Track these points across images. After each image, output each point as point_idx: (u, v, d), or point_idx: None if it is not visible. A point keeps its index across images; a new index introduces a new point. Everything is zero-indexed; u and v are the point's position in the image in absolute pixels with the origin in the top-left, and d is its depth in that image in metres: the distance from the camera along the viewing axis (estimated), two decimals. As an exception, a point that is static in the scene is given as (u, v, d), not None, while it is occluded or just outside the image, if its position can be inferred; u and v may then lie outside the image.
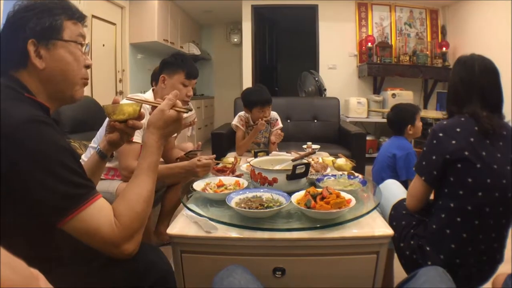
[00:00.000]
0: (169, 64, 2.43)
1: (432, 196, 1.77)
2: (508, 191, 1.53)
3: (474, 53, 1.77)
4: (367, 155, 5.00)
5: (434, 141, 1.63)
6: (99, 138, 2.34)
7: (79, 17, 1.20)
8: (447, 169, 1.59)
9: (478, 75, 1.65)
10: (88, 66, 1.23)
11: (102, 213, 1.04)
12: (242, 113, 3.48)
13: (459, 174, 1.56)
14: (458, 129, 1.59)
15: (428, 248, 1.63)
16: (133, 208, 1.11)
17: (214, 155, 2.21)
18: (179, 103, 1.29)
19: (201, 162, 2.11)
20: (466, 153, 1.53)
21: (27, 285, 0.47)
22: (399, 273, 1.93)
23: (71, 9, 1.17)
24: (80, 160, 1.09)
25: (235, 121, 3.49)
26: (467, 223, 1.55)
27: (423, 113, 4.49)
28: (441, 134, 1.61)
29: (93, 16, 4.87)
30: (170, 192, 2.86)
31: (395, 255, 1.89)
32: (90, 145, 2.44)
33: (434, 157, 1.63)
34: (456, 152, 1.55)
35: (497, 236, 1.57)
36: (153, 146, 1.23)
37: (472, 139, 1.55)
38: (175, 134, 2.81)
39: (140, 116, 1.33)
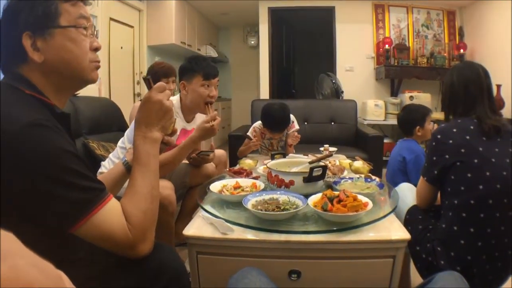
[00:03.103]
0: (185, 70, 2.45)
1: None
2: (510, 182, 1.56)
3: (469, 59, 1.85)
4: (384, 158, 4.95)
5: (434, 143, 1.75)
6: (130, 138, 2.35)
7: None
8: (447, 169, 1.67)
9: (484, 78, 1.77)
10: (96, 49, 1.15)
11: (114, 216, 1.01)
12: (257, 123, 3.46)
13: (459, 171, 1.63)
14: (454, 130, 1.70)
15: (439, 248, 1.64)
16: (140, 207, 1.07)
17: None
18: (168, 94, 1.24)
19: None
20: (462, 150, 1.63)
21: (55, 285, 0.48)
22: (416, 278, 1.91)
23: None
24: (106, 164, 1.06)
25: (249, 132, 3.47)
26: (473, 217, 1.58)
27: (439, 116, 4.44)
28: (439, 136, 1.73)
29: (111, 19, 4.91)
30: (192, 193, 2.87)
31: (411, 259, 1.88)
32: (118, 144, 2.44)
33: (434, 158, 1.73)
34: (453, 151, 1.65)
35: (506, 229, 1.57)
36: (136, 141, 1.18)
37: (468, 137, 1.65)
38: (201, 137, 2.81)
39: (173, 132, 1.31)
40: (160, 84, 1.22)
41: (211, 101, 2.44)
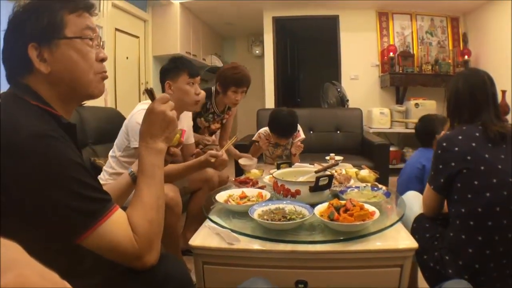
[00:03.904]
0: (169, 70, 2.47)
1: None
2: None
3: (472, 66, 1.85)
4: (390, 166, 4.94)
5: (439, 151, 1.73)
6: (119, 147, 2.38)
7: (84, 7, 1.10)
8: (454, 176, 1.65)
9: (490, 85, 1.76)
10: (102, 60, 1.15)
11: (120, 227, 1.00)
12: (262, 130, 3.48)
13: (466, 179, 1.62)
14: (460, 137, 1.68)
15: (447, 257, 1.63)
16: (146, 218, 1.07)
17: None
18: (171, 103, 1.23)
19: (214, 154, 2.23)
20: (469, 157, 1.62)
21: None
22: (424, 287, 1.90)
23: (73, 1, 1.08)
24: (102, 176, 1.06)
25: (255, 137, 3.51)
26: (480, 225, 1.56)
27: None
28: (444, 144, 1.71)
29: (117, 30, 4.96)
30: (194, 199, 2.89)
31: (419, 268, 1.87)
32: (109, 154, 2.47)
33: (440, 166, 1.72)
34: (460, 158, 1.63)
35: None
36: (141, 152, 1.18)
37: (474, 144, 1.63)
38: (192, 141, 2.84)
39: (179, 144, 1.31)
40: (163, 95, 1.21)
41: (198, 100, 2.52)
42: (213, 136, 3.43)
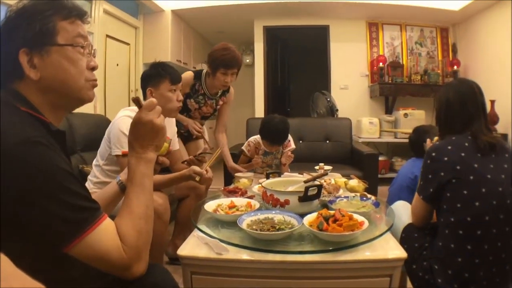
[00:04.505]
0: (151, 76, 2.44)
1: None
2: (507, 198, 1.56)
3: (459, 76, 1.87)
4: (379, 176, 4.96)
5: (428, 161, 1.75)
6: (102, 156, 2.37)
7: (77, 15, 1.09)
8: (443, 186, 1.66)
9: (479, 95, 1.78)
10: (93, 68, 1.14)
11: (108, 236, 0.99)
12: (252, 138, 3.48)
13: (455, 188, 1.63)
14: (449, 147, 1.70)
15: (436, 266, 1.63)
16: (135, 227, 1.06)
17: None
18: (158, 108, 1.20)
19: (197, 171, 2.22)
20: (458, 167, 1.63)
21: None
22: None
23: (66, 8, 1.07)
24: (87, 186, 1.04)
25: (244, 146, 3.51)
26: (470, 234, 1.57)
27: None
28: (434, 154, 1.73)
29: (107, 36, 4.95)
30: (182, 206, 2.89)
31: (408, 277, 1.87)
32: (93, 163, 2.46)
33: (430, 176, 1.73)
34: (449, 168, 1.65)
35: (504, 245, 1.56)
36: (130, 161, 1.17)
37: (463, 154, 1.65)
38: (177, 147, 2.83)
39: (168, 153, 1.29)
40: (149, 101, 1.18)
41: (180, 106, 2.51)
42: (204, 127, 3.39)
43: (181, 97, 2.50)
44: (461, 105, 1.78)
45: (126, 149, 2.18)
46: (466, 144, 1.68)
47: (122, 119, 2.26)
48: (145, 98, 2.43)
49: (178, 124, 3.17)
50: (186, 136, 3.38)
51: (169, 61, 5.91)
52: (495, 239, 1.55)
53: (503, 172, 1.62)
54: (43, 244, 0.93)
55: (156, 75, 2.42)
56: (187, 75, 3.13)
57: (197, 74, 3.24)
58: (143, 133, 1.17)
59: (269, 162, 3.46)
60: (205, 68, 3.20)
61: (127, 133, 2.18)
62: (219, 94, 3.37)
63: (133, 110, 2.34)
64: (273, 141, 3.23)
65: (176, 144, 2.81)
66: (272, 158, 3.44)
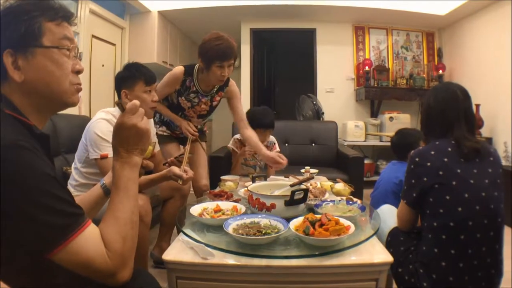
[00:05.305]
0: (125, 78, 2.40)
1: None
2: (490, 203, 1.58)
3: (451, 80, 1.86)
4: (365, 179, 4.98)
5: (412, 166, 1.76)
6: (80, 159, 2.35)
7: (63, 16, 1.08)
8: (426, 191, 1.67)
9: (462, 100, 1.77)
10: (78, 72, 1.12)
11: (92, 242, 0.97)
12: (237, 135, 3.48)
13: (437, 194, 1.64)
14: (432, 152, 1.70)
15: (421, 270, 1.65)
16: (120, 233, 1.04)
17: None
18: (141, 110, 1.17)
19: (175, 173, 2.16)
20: (441, 172, 1.64)
21: None
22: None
23: (52, 9, 1.06)
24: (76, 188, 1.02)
25: (230, 144, 3.51)
26: (453, 239, 1.58)
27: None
28: (417, 159, 1.74)
29: (93, 36, 4.90)
30: (166, 208, 2.85)
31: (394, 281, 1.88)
32: (72, 166, 2.43)
33: (413, 181, 1.74)
34: (432, 173, 1.66)
35: (488, 250, 1.58)
36: (115, 166, 1.15)
37: (446, 159, 1.66)
38: (158, 149, 2.78)
39: (152, 156, 1.28)
40: (132, 104, 1.15)
41: (155, 106, 2.46)
42: (201, 120, 3.25)
43: (156, 98, 2.44)
44: (440, 112, 1.79)
45: (103, 152, 2.15)
46: (450, 149, 1.68)
47: (98, 122, 2.24)
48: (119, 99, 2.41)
49: (173, 125, 3.14)
50: (182, 138, 3.20)
51: (155, 62, 5.91)
52: (479, 243, 1.56)
53: (487, 176, 1.63)
54: (26, 250, 0.91)
55: (130, 76, 2.38)
56: (177, 70, 2.93)
57: (189, 69, 2.95)
58: (127, 137, 1.14)
59: (254, 163, 3.46)
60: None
61: (102, 135, 2.19)
62: (215, 89, 3.06)
63: (108, 112, 2.32)
64: (264, 122, 3.25)
65: (157, 145, 2.75)
66: (258, 160, 3.45)
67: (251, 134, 3.06)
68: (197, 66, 2.94)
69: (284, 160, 2.76)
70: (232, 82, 3.10)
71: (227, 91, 3.10)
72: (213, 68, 2.73)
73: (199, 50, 2.77)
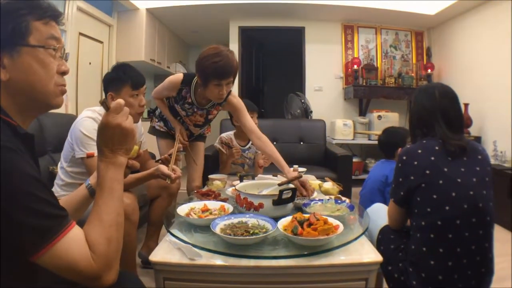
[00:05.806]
0: (112, 80, 2.35)
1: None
2: (478, 201, 1.58)
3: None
4: (353, 177, 5.00)
5: (400, 165, 1.76)
6: (66, 158, 2.32)
7: (52, 16, 1.06)
8: (413, 190, 1.68)
9: (439, 100, 1.76)
10: (64, 73, 1.10)
11: (77, 245, 0.95)
12: (224, 134, 3.46)
13: (424, 193, 1.64)
14: (419, 151, 1.70)
15: (410, 269, 1.65)
16: (105, 235, 1.02)
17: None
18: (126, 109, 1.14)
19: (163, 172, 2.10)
20: (427, 171, 1.64)
21: None
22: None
23: (40, 7, 1.03)
24: (54, 191, 0.99)
25: (217, 143, 3.50)
26: (441, 238, 1.58)
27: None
28: (404, 158, 1.74)
29: (81, 34, 4.86)
30: (154, 207, 2.83)
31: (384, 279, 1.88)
32: (58, 166, 2.40)
33: (400, 179, 1.74)
34: (418, 172, 1.66)
35: (478, 248, 1.58)
36: (100, 166, 1.12)
37: (432, 158, 1.66)
38: (145, 148, 2.77)
39: (138, 156, 1.26)
40: (116, 103, 1.12)
41: (142, 112, 2.41)
42: (198, 129, 3.15)
43: (143, 102, 2.40)
44: (417, 114, 1.82)
45: (89, 150, 2.13)
46: (437, 147, 1.69)
47: (83, 120, 2.21)
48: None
49: (170, 124, 3.12)
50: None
51: (143, 60, 5.87)
52: (468, 242, 1.56)
53: (475, 175, 1.63)
54: (9, 253, 0.89)
55: (117, 79, 2.33)
56: (175, 78, 2.78)
57: (188, 78, 2.76)
58: (111, 137, 1.12)
59: (242, 161, 3.45)
60: (181, 68, 2.95)
61: (88, 134, 2.16)
62: (211, 104, 2.86)
63: (94, 111, 2.29)
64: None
65: (143, 145, 2.71)
66: (245, 158, 3.44)
67: (269, 148, 2.59)
68: (196, 78, 2.68)
69: (309, 191, 2.23)
70: (232, 95, 2.78)
71: (226, 105, 2.83)
72: (211, 86, 2.49)
73: (196, 66, 2.54)
